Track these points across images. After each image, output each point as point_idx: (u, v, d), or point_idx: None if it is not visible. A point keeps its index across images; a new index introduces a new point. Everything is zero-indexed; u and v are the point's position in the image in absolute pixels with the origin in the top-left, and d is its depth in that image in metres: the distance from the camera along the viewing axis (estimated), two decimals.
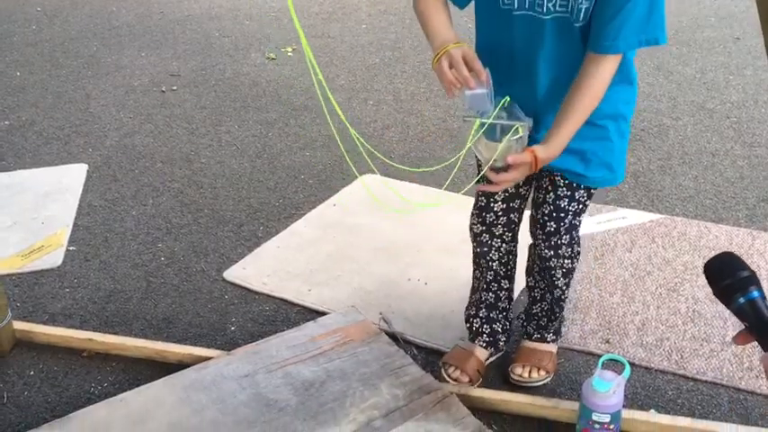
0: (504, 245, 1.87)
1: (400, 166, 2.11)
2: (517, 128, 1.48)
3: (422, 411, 1.70)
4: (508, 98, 1.52)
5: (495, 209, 1.81)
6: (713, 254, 1.11)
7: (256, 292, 2.32)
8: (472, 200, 1.87)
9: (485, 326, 1.96)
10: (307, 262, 2.46)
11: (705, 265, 1.10)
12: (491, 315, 1.96)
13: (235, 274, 2.41)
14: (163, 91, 3.94)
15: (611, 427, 1.66)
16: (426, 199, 2.81)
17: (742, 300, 1.05)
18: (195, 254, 2.53)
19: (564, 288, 1.89)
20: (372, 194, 2.79)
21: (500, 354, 2.03)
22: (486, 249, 1.87)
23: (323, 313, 2.17)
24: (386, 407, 1.71)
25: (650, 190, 2.89)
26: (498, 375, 1.97)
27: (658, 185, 2.92)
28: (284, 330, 2.02)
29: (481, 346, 1.96)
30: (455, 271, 2.32)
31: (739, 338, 1.08)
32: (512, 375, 1.92)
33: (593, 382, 1.65)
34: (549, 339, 1.97)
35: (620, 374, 1.66)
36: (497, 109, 1.50)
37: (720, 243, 2.50)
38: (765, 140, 3.29)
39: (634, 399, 1.89)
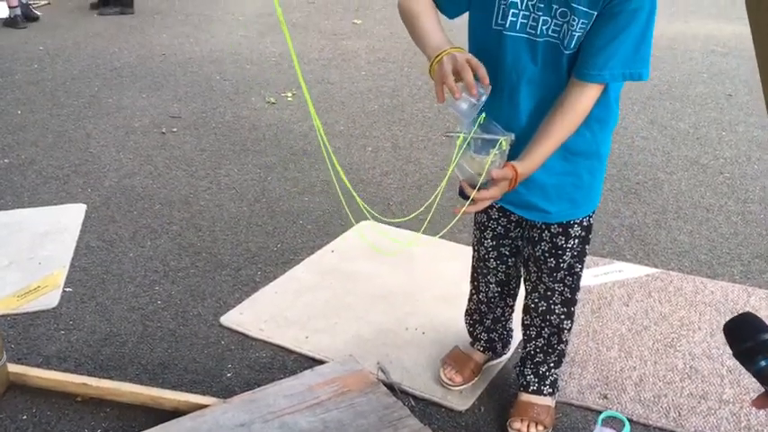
0: (500, 274, 1.96)
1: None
2: (501, 141, 1.47)
3: None
4: (484, 114, 1.49)
5: (486, 245, 1.91)
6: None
7: (253, 338, 2.31)
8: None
9: (483, 334, 2.10)
10: (304, 308, 2.46)
11: (725, 325, 1.10)
12: (491, 326, 2.08)
13: (232, 319, 2.40)
14: (163, 132, 3.97)
15: None
16: (418, 243, 2.82)
17: (763, 363, 1.04)
18: (192, 298, 2.52)
19: (561, 326, 1.89)
20: (372, 245, 2.80)
21: (499, 358, 2.17)
22: (485, 272, 1.98)
23: (320, 361, 2.16)
24: None
25: (646, 244, 2.91)
26: (497, 429, 1.96)
27: (654, 239, 2.95)
28: (281, 378, 2.01)
29: (479, 350, 2.12)
30: (453, 321, 2.31)
31: (759, 402, 1.06)
32: (510, 430, 1.91)
33: None
34: (545, 392, 1.97)
35: None
36: (477, 125, 1.48)
37: (716, 299, 2.51)
38: (758, 197, 3.33)
39: None
